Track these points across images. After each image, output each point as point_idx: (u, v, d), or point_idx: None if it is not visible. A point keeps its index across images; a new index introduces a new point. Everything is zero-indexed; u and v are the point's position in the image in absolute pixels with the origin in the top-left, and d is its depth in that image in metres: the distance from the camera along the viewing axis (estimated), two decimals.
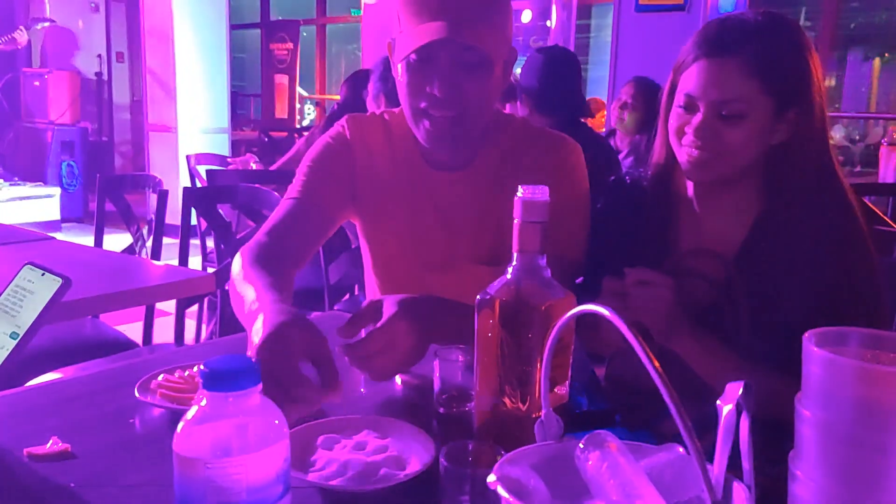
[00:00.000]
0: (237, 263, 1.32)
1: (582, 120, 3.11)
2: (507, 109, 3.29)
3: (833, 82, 6.51)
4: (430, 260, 1.51)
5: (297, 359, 0.95)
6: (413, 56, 1.34)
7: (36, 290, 1.03)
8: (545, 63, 2.96)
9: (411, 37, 1.33)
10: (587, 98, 4.08)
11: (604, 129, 5.12)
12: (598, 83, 5.80)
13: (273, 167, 3.98)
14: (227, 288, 1.44)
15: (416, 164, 1.51)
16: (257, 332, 0.98)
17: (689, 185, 1.37)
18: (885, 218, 2.85)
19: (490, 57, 1.35)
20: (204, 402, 0.68)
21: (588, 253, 1.46)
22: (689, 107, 1.27)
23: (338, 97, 3.77)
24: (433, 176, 1.51)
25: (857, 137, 6.42)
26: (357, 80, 3.69)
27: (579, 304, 0.74)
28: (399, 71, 1.39)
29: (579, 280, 1.43)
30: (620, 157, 3.91)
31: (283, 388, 0.88)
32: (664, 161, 1.37)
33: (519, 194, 0.90)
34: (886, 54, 6.61)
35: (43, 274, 1.04)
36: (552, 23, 6.34)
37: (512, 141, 1.50)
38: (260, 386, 0.69)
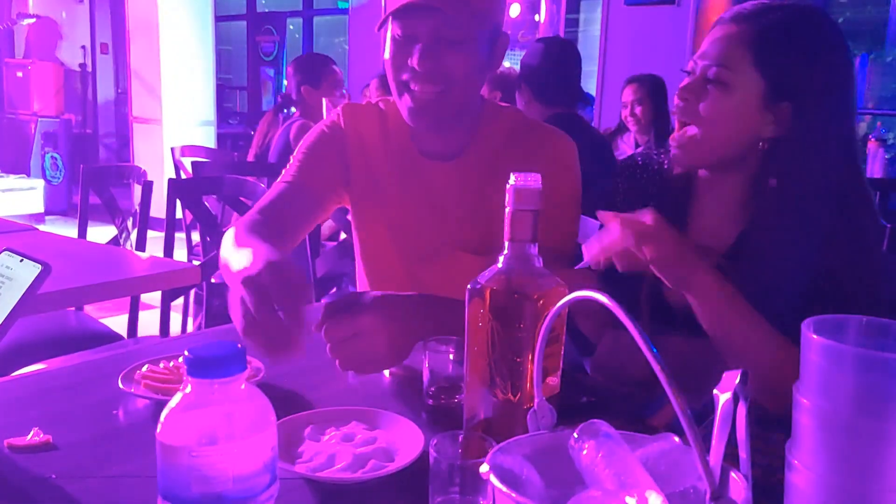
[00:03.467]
0: (229, 234, 1.30)
1: (578, 112, 3.14)
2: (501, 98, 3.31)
3: None
4: (420, 249, 1.51)
5: (273, 300, 0.95)
6: (397, 31, 1.36)
7: (14, 277, 1.01)
8: (545, 52, 2.99)
9: (391, 3, 1.34)
10: None
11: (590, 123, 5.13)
12: (587, 78, 5.79)
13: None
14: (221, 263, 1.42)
15: (409, 154, 1.51)
16: (246, 262, 1.02)
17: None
18: None
19: (472, 32, 1.35)
20: (188, 390, 0.67)
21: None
22: (691, 73, 1.26)
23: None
24: (426, 165, 1.50)
25: None
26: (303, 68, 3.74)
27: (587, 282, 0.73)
28: (385, 48, 1.40)
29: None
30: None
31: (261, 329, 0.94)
32: None
33: (511, 182, 0.89)
34: (874, 50, 6.64)
35: (21, 260, 1.02)
36: (541, 17, 6.34)
37: (506, 132, 1.49)
38: (245, 373, 0.68)
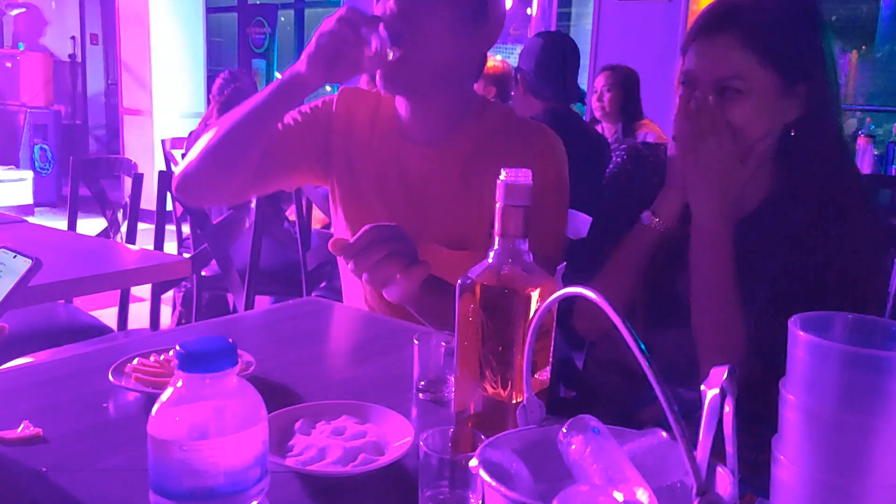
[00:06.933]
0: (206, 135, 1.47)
1: (573, 108, 3.15)
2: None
3: None
4: None
5: None
6: None
7: (5, 272, 1.00)
8: (543, 48, 2.99)
9: None
10: None
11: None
12: (579, 71, 5.79)
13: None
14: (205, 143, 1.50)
15: (392, 139, 1.53)
16: None
17: None
18: None
19: None
20: (180, 384, 0.67)
21: (596, 220, 1.46)
22: (689, 84, 1.25)
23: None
24: (406, 149, 1.51)
25: None
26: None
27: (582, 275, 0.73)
28: None
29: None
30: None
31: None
32: None
33: (502, 178, 0.89)
34: (864, 47, 6.67)
35: (14, 256, 1.02)
36: (533, 10, 6.33)
37: (492, 126, 1.49)
38: (237, 368, 0.68)
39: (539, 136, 1.48)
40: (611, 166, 1.46)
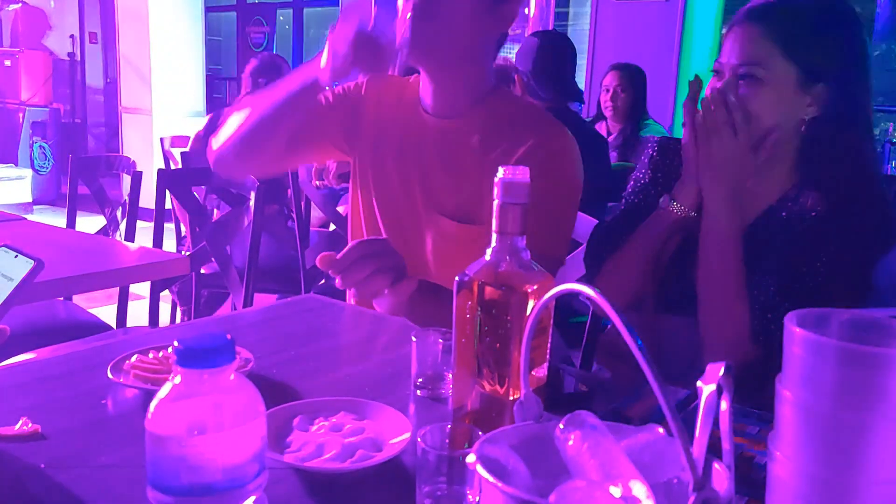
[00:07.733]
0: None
1: (571, 107, 3.15)
2: None
3: None
4: (401, 206, 1.56)
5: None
6: None
7: (7, 273, 1.00)
8: (539, 47, 2.99)
9: None
10: None
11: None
12: (576, 71, 5.79)
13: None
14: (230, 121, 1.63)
15: (415, 113, 1.57)
16: None
17: None
18: None
19: None
20: (178, 380, 0.67)
21: (622, 206, 1.50)
22: (719, 73, 1.31)
23: None
24: (424, 119, 1.55)
25: None
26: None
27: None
28: None
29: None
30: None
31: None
32: None
33: (499, 175, 0.89)
34: None
35: (16, 256, 1.02)
36: (531, 10, 6.32)
37: (514, 110, 1.53)
38: (235, 363, 0.68)
39: (557, 134, 1.49)
40: (643, 157, 1.51)
